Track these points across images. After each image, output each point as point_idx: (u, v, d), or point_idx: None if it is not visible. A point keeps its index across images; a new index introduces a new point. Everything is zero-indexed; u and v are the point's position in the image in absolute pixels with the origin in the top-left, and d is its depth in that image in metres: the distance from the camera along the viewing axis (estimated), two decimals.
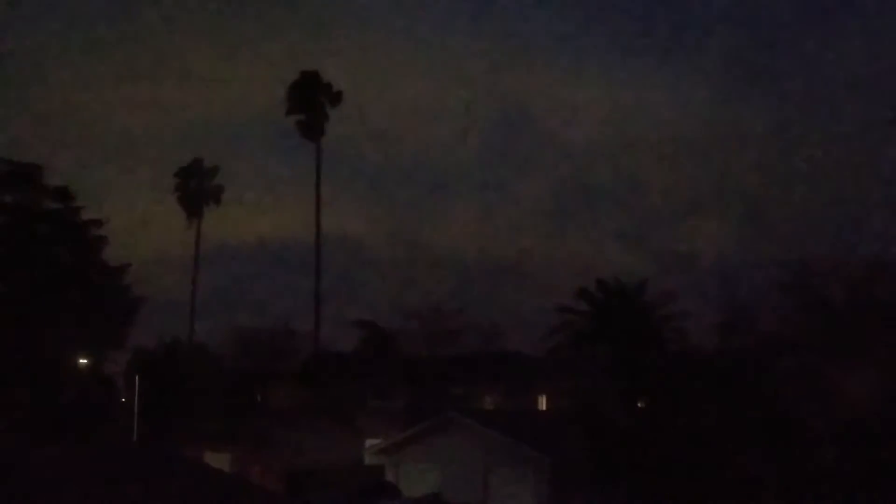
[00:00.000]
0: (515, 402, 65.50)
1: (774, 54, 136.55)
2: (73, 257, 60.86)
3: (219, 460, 54.38)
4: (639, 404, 53.99)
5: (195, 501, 26.39)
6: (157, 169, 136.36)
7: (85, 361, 62.36)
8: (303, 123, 77.21)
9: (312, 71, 78.15)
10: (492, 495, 48.45)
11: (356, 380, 67.54)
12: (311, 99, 77.05)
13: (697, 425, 44.44)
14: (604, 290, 59.23)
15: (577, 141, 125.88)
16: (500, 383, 67.58)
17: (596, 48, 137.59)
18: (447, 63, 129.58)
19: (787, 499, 39.30)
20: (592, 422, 46.97)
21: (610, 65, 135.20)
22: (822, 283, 44.97)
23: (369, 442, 59.55)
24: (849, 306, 44.67)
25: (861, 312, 44.09)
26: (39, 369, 56.08)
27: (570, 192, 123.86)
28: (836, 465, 38.91)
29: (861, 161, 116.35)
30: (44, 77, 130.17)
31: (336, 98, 77.49)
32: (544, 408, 66.18)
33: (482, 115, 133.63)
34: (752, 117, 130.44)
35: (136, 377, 60.82)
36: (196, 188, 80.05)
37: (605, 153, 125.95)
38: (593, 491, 43.95)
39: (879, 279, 43.46)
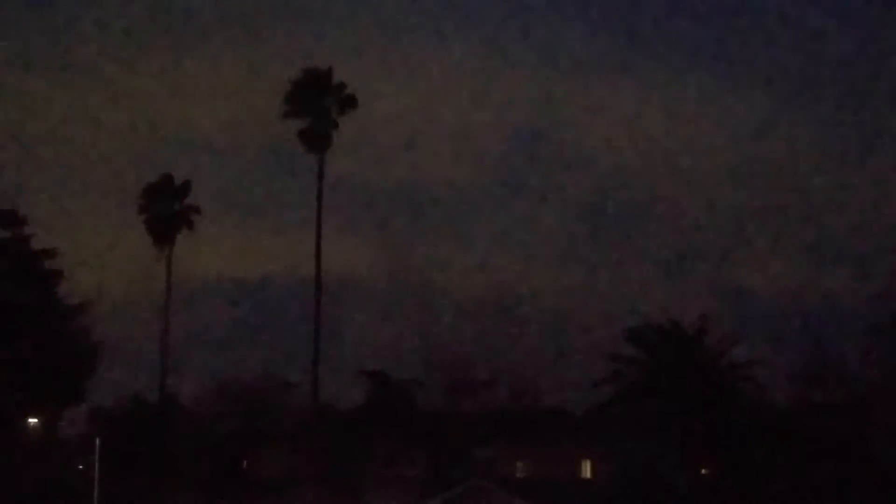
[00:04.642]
0: (554, 469, 64.22)
1: (829, 68, 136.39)
2: (23, 294, 60.20)
3: None
4: (703, 471, 53.01)
5: None
6: (121, 193, 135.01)
7: (36, 421, 61.56)
8: (306, 132, 75.56)
9: (322, 69, 76.43)
10: None
11: (363, 442, 66.14)
12: (317, 102, 75.44)
13: (776, 496, 43.84)
14: (658, 333, 57.30)
15: (608, 161, 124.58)
16: (535, 445, 66.15)
17: (626, 59, 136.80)
18: (460, 77, 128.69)
19: None
20: (649, 493, 47.00)
21: (642, 78, 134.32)
22: None
23: None
24: None
25: None
26: None
27: (601, 219, 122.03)
28: None
29: None
30: None
31: (348, 102, 75.77)
32: (589, 475, 65.00)
33: (501, 134, 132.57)
34: (809, 132, 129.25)
35: (97, 440, 59.62)
36: (166, 210, 78.93)
37: (640, 175, 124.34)
38: None
39: None
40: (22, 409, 60.10)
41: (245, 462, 69.43)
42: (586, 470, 65.50)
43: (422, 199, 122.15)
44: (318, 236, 75.62)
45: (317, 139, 74.82)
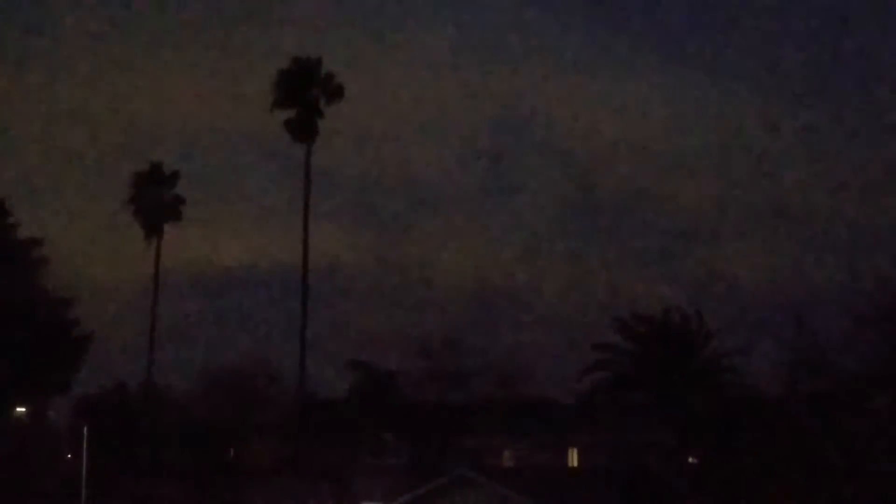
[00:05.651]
0: (541, 458, 64.83)
1: (816, 62, 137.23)
2: (9, 283, 60.62)
3: None
4: (690, 459, 53.60)
5: None
6: (108, 182, 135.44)
7: (23, 410, 62.28)
8: (293, 122, 76.05)
9: (310, 59, 76.90)
10: None
11: (350, 431, 66.96)
12: (304, 92, 75.94)
13: (764, 485, 44.55)
14: (645, 322, 58.32)
15: (591, 152, 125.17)
16: (522, 435, 66.86)
17: (609, 47, 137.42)
18: (443, 67, 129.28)
19: None
20: (636, 481, 47.28)
21: (626, 66, 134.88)
22: None
23: None
24: None
25: None
26: None
27: (587, 210, 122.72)
28: None
29: None
30: None
31: (336, 92, 76.32)
32: (576, 464, 65.53)
33: (486, 124, 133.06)
34: (797, 123, 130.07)
35: (84, 428, 60.45)
36: (154, 200, 79.18)
37: (624, 165, 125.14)
38: None
39: None
40: (9, 398, 60.67)
41: (232, 451, 69.90)
42: (573, 458, 66.06)
43: (407, 190, 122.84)
44: (306, 226, 76.30)
45: (303, 129, 75.47)
